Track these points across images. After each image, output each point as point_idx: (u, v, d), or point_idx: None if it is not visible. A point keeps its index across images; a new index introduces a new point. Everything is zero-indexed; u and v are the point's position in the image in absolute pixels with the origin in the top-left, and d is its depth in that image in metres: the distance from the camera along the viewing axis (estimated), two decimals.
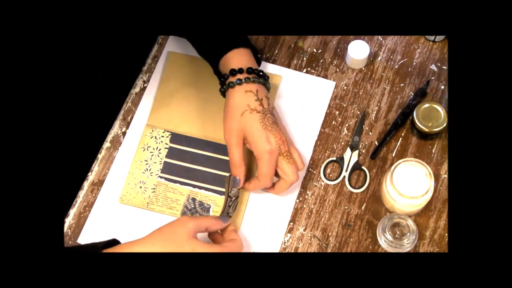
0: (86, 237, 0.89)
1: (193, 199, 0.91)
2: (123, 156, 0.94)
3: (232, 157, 0.85)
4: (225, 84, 0.86)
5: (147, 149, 0.93)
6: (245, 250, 0.88)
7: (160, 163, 0.93)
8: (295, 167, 0.85)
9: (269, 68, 0.98)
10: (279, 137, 0.84)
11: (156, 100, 0.96)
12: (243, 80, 0.85)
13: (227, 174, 0.92)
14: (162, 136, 0.94)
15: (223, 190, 0.91)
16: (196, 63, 0.98)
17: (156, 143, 0.94)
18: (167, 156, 0.93)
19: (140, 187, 0.91)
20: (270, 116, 0.85)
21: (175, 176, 0.92)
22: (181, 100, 0.96)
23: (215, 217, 0.82)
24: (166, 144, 0.94)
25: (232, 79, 0.85)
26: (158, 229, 0.77)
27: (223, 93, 0.88)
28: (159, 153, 0.93)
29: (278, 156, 0.85)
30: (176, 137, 0.94)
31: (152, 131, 0.94)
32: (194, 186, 0.92)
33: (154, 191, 0.91)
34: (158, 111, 0.95)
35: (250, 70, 0.85)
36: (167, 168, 0.92)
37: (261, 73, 0.87)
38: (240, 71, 0.85)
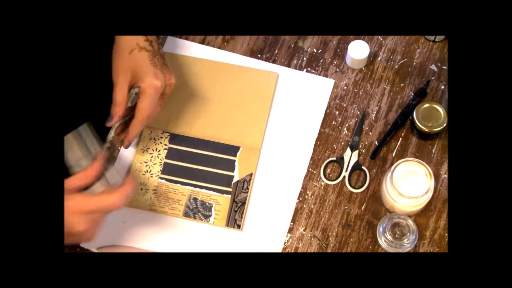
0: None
1: (195, 199, 0.91)
2: (123, 157, 0.94)
3: (115, 96, 0.83)
4: None
5: (147, 151, 0.94)
6: (247, 251, 0.88)
7: (160, 164, 0.93)
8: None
9: (266, 66, 0.98)
10: (168, 77, 0.85)
11: None
12: None
13: (228, 173, 0.92)
14: (161, 137, 0.94)
15: (224, 188, 0.91)
16: (192, 63, 0.98)
17: (155, 144, 0.94)
18: (166, 157, 0.93)
19: (141, 189, 0.91)
20: (159, 57, 0.85)
21: (176, 176, 0.92)
22: (178, 100, 0.96)
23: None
24: (165, 145, 0.94)
25: None
26: None
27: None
28: (159, 154, 0.93)
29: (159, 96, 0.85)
30: (175, 138, 0.94)
31: (151, 132, 0.95)
32: (195, 186, 0.92)
33: (155, 193, 0.91)
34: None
35: None
36: (167, 169, 0.92)
37: None
38: None
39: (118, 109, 0.84)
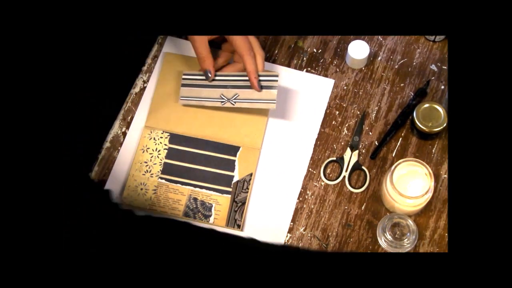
0: None
1: (195, 199, 0.91)
2: (123, 157, 0.94)
3: (198, 52, 0.88)
4: None
5: (147, 151, 0.93)
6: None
7: (160, 164, 0.93)
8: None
9: (266, 66, 0.98)
10: None
11: (154, 101, 0.96)
12: None
13: (228, 173, 0.92)
14: (161, 137, 0.94)
15: (224, 188, 0.91)
16: (191, 62, 0.98)
17: (155, 144, 0.94)
18: (166, 157, 0.93)
19: (141, 189, 0.91)
20: None
21: (176, 176, 0.92)
22: (178, 100, 0.96)
23: None
24: (165, 145, 0.94)
25: None
26: None
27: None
28: (159, 154, 0.93)
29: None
30: (175, 138, 0.94)
31: (151, 132, 0.94)
32: (195, 186, 0.92)
33: (155, 193, 0.91)
34: (156, 112, 0.95)
35: None
36: (167, 169, 0.92)
37: None
38: None
39: (207, 62, 0.88)
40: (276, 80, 0.90)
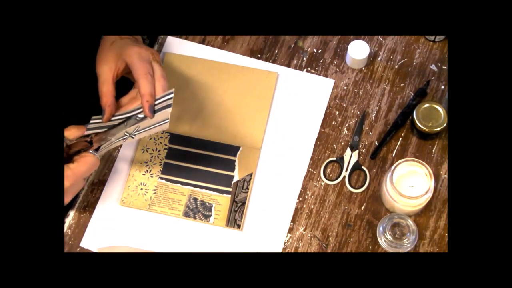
0: (88, 241, 0.89)
1: (195, 199, 0.91)
2: (123, 157, 0.94)
3: (100, 88, 0.83)
4: None
5: (147, 151, 0.93)
6: (247, 251, 0.88)
7: (160, 164, 0.93)
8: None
9: (266, 66, 0.98)
10: (151, 49, 0.85)
11: None
12: None
13: (228, 173, 0.92)
14: (161, 137, 0.94)
15: (224, 188, 0.91)
16: (192, 63, 0.98)
17: (155, 144, 0.94)
18: (166, 157, 0.93)
19: (141, 189, 0.91)
20: (136, 39, 0.88)
21: (176, 176, 0.92)
22: (178, 100, 0.96)
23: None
24: (165, 145, 0.94)
25: None
26: None
27: None
28: (159, 154, 0.93)
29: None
30: (175, 138, 0.94)
31: None
32: (195, 186, 0.92)
33: (155, 193, 0.91)
34: None
35: None
36: (167, 169, 0.92)
37: None
38: None
39: (106, 99, 0.82)
40: (171, 98, 0.80)
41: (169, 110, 0.79)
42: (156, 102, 0.81)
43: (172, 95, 0.80)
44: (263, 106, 0.96)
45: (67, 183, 0.76)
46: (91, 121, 0.84)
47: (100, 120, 0.84)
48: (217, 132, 0.94)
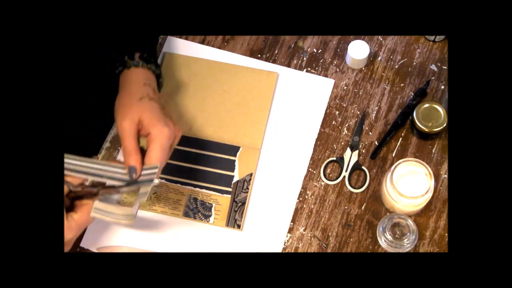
0: (89, 241, 0.89)
1: (195, 199, 0.91)
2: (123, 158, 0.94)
3: (125, 145, 0.77)
4: (123, 65, 0.85)
5: None
6: (247, 251, 0.88)
7: None
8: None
9: (266, 66, 0.98)
10: (177, 129, 0.81)
11: None
12: (140, 64, 0.84)
13: (227, 173, 0.92)
14: None
15: (224, 188, 0.91)
16: (192, 63, 0.98)
17: None
18: None
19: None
20: (166, 112, 0.82)
21: (176, 176, 0.92)
22: (178, 100, 0.96)
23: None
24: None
25: (130, 62, 0.85)
26: None
27: (118, 75, 0.86)
28: None
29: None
30: None
31: None
32: (195, 185, 0.92)
33: (155, 193, 0.91)
34: None
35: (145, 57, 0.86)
36: (167, 169, 0.92)
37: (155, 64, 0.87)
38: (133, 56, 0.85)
39: (137, 157, 0.76)
40: (154, 172, 0.76)
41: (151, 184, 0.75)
42: (143, 173, 0.77)
43: (155, 170, 0.76)
44: (263, 106, 0.96)
45: (69, 235, 0.72)
46: (85, 162, 0.77)
47: (90, 164, 0.77)
48: (217, 132, 0.94)
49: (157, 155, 0.77)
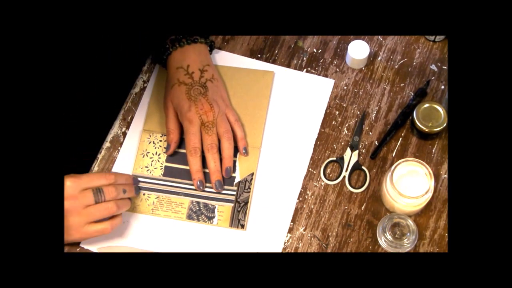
0: (88, 241, 0.88)
1: (197, 201, 0.90)
2: (123, 163, 0.93)
3: (167, 125, 0.91)
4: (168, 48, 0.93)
5: (147, 155, 0.93)
6: (248, 250, 0.88)
7: (161, 168, 0.92)
8: (212, 139, 0.89)
9: (266, 66, 0.98)
10: (200, 107, 0.89)
11: (151, 105, 0.96)
12: (185, 42, 0.92)
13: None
14: (160, 141, 0.94)
15: (227, 189, 0.91)
16: None
17: (155, 148, 0.94)
18: (167, 161, 0.93)
19: (144, 194, 0.91)
20: (197, 88, 0.90)
21: (178, 178, 0.92)
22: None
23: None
24: (165, 148, 0.93)
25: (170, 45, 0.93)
26: None
27: (165, 64, 0.95)
28: (159, 158, 0.93)
29: (201, 126, 0.89)
30: None
31: (150, 136, 0.94)
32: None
33: (157, 197, 0.91)
34: (154, 116, 0.95)
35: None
36: (169, 172, 0.92)
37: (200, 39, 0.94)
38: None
39: (172, 136, 0.91)
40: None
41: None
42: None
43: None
44: (261, 105, 0.95)
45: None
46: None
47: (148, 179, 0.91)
48: None
49: (188, 138, 0.89)
